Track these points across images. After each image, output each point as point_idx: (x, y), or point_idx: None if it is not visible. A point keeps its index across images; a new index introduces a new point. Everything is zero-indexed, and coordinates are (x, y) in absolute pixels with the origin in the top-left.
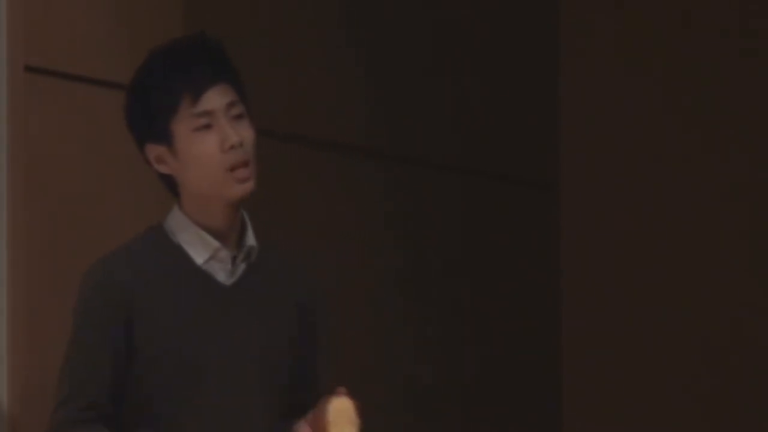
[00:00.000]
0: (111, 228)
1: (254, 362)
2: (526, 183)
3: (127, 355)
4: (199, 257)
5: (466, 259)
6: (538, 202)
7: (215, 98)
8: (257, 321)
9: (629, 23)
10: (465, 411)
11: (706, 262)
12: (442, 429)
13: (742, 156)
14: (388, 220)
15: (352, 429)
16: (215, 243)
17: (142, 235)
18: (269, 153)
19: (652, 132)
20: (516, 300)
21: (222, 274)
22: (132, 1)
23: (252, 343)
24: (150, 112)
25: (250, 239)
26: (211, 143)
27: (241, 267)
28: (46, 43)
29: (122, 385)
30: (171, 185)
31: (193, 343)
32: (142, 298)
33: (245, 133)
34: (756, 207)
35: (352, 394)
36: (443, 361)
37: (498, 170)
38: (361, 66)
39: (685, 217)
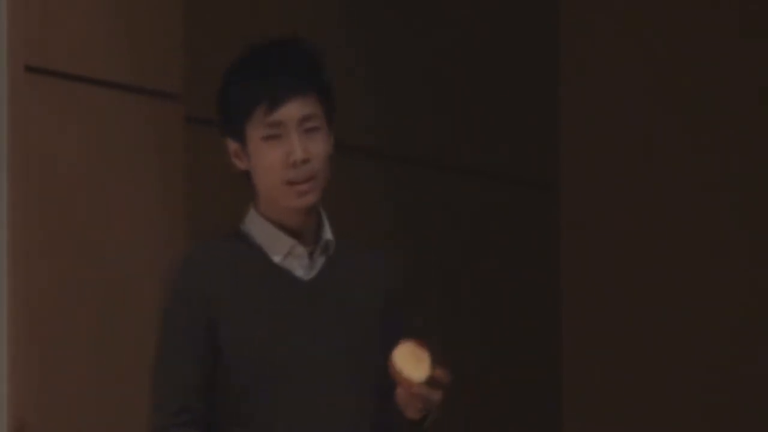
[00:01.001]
0: (111, 228)
1: (340, 354)
2: (526, 183)
3: (214, 356)
4: (276, 255)
5: (466, 259)
6: (538, 202)
7: (291, 110)
8: (340, 314)
9: (629, 23)
10: (465, 410)
11: (705, 262)
12: (442, 429)
13: (742, 156)
14: (388, 220)
15: (424, 363)
16: (291, 240)
17: (221, 238)
18: None
19: (652, 132)
20: (516, 300)
21: (300, 269)
22: (132, 1)
23: (337, 336)
24: (229, 108)
25: (327, 233)
26: (276, 155)
27: (320, 262)
28: (46, 43)
29: (211, 385)
30: (249, 181)
31: (277, 340)
32: (225, 299)
33: (315, 148)
34: (756, 207)
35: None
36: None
37: (498, 170)
38: (362, 66)
39: (684, 217)
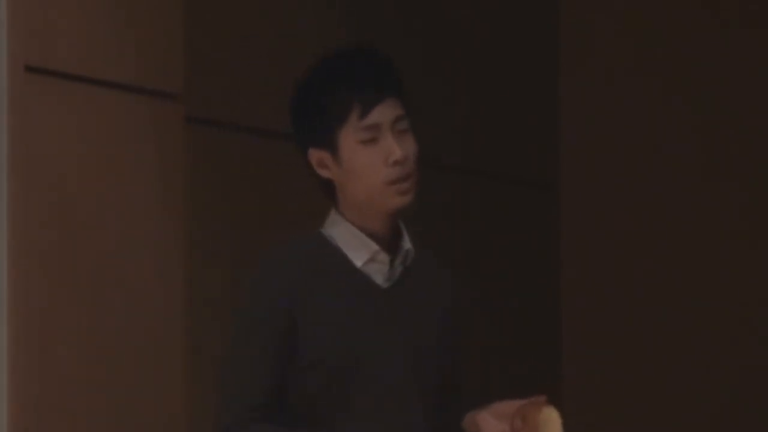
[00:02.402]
0: (111, 228)
1: (409, 364)
2: (526, 183)
3: (291, 357)
4: (358, 259)
5: (466, 259)
6: (538, 202)
7: (384, 112)
8: (412, 324)
9: (629, 23)
10: (465, 410)
11: (705, 262)
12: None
13: (742, 156)
14: None
15: None
16: (374, 245)
17: (301, 239)
18: (269, 154)
19: (652, 132)
20: (516, 300)
21: (380, 276)
22: (132, 1)
23: (408, 346)
24: (318, 118)
25: (407, 243)
26: (376, 157)
27: (398, 270)
28: (46, 43)
29: (285, 386)
30: (328, 189)
31: (353, 345)
32: (305, 301)
33: (409, 147)
34: (756, 207)
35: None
36: None
37: (498, 170)
38: None
39: (684, 217)
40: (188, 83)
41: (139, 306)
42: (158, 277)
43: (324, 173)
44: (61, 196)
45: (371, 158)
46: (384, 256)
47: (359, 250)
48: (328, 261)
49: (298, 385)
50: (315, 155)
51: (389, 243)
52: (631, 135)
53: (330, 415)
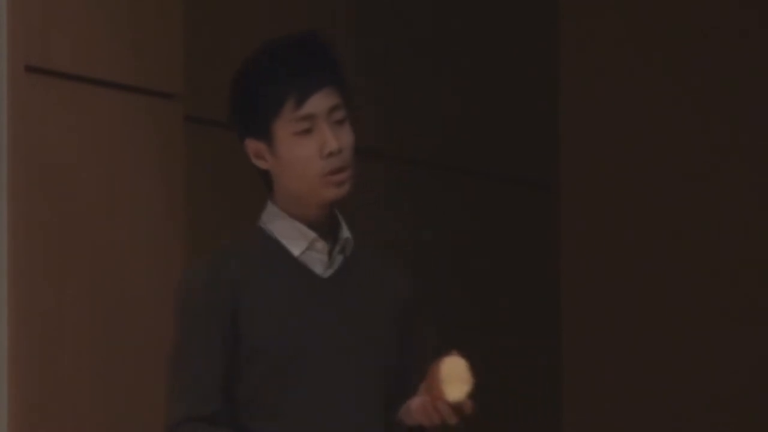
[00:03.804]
0: (111, 227)
1: (353, 354)
2: (526, 183)
3: (233, 348)
4: (296, 248)
5: (465, 259)
6: (538, 202)
7: (318, 103)
8: (355, 314)
9: (629, 23)
10: None
11: (705, 262)
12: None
13: (742, 156)
14: (389, 220)
15: (465, 387)
16: (311, 233)
17: (239, 234)
18: None
19: (651, 132)
20: (516, 300)
21: (319, 266)
22: (132, 1)
23: (351, 336)
24: (253, 109)
25: (345, 232)
26: (311, 148)
27: (338, 260)
28: (46, 43)
29: (231, 376)
30: (267, 179)
31: (294, 334)
32: (245, 292)
33: (345, 138)
34: (756, 207)
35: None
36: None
37: (498, 170)
38: (361, 66)
39: (684, 217)
40: (188, 83)
41: (139, 305)
42: (158, 277)
43: (261, 164)
44: (61, 196)
45: (306, 150)
46: (322, 245)
47: (297, 239)
48: (266, 252)
49: (242, 375)
50: (252, 146)
51: (327, 233)
52: (631, 135)
53: (273, 405)
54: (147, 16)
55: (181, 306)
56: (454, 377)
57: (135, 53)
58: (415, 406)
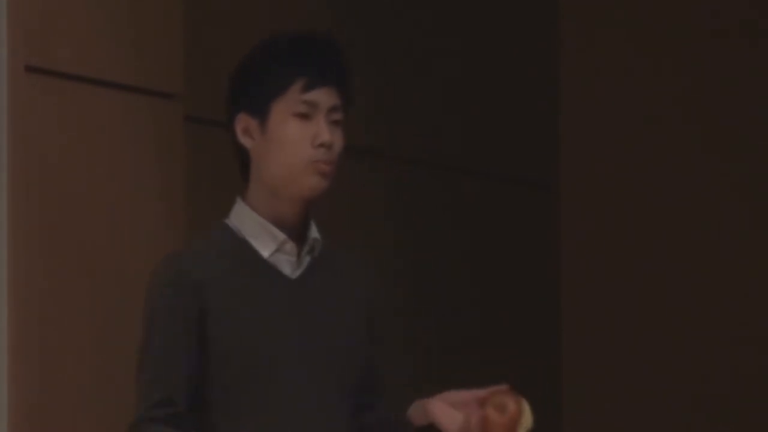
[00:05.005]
0: (111, 227)
1: (323, 355)
2: (526, 183)
3: (201, 349)
4: (265, 250)
5: (465, 259)
6: (538, 202)
7: (324, 96)
8: (324, 314)
9: (629, 23)
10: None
11: (706, 262)
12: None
13: (742, 156)
14: (388, 220)
15: (514, 422)
16: (281, 235)
17: (207, 233)
18: None
19: (652, 132)
20: (516, 300)
21: (288, 267)
22: (132, 1)
23: (321, 337)
24: (257, 82)
25: (314, 232)
26: (305, 133)
27: (306, 260)
28: (46, 43)
29: (198, 379)
30: (244, 163)
31: (263, 336)
32: (213, 293)
33: (338, 139)
34: (756, 207)
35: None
36: (443, 360)
37: (498, 170)
38: (361, 66)
39: (684, 217)
40: (188, 83)
41: (139, 305)
42: None
43: (246, 142)
44: (61, 196)
45: (300, 133)
46: (291, 246)
47: (266, 241)
48: (234, 253)
49: (212, 376)
50: (242, 121)
51: (297, 233)
52: (631, 135)
53: (243, 407)
54: (147, 16)
55: (147, 306)
56: (524, 423)
57: (135, 53)
58: (443, 416)
